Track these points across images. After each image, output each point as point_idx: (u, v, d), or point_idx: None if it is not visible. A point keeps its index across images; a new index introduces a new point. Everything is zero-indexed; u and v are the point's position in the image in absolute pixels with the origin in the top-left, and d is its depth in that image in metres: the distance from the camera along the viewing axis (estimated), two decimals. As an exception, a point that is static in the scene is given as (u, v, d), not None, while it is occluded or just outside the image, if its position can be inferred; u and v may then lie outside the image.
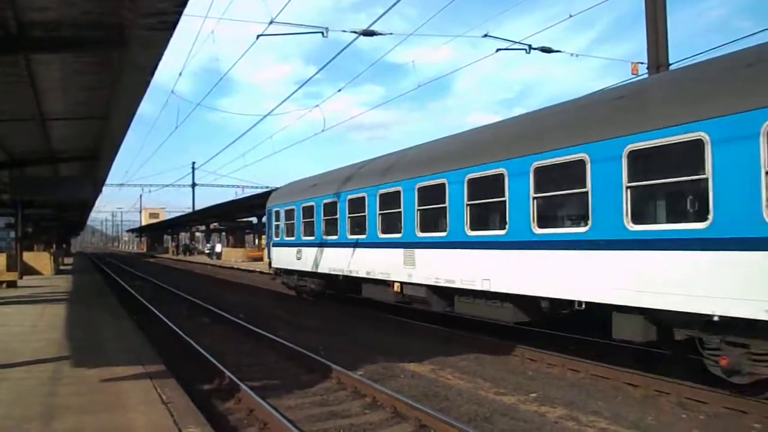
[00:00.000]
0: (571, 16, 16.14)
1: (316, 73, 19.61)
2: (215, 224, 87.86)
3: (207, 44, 24.92)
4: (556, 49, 18.78)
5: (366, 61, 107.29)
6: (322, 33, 15.28)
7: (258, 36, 15.87)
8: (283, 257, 22.11)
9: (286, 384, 10.96)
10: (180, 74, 21.34)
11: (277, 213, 22.91)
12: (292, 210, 21.25)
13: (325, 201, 18.77)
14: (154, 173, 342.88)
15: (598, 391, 10.53)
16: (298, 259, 20.45)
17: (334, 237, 18.10)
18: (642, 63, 19.06)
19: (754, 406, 9.02)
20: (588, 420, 8.96)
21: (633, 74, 19.48)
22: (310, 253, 19.39)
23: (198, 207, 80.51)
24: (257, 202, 42.16)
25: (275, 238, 23.02)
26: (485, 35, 17.00)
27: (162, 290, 30.08)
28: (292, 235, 21.07)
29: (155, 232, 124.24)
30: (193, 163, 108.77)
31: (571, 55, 20.62)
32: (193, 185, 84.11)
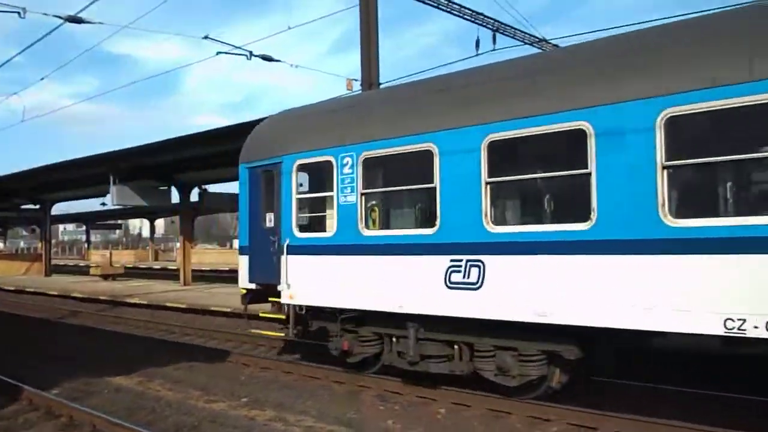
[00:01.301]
0: (290, 27, 16.56)
1: (14, 57, 17.39)
2: None
3: None
4: (277, 58, 19.22)
5: (80, 49, 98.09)
6: (19, 13, 13.63)
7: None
8: (324, 278, 10.66)
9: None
10: None
11: (305, 172, 11.44)
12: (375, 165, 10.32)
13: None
14: None
15: (307, 391, 10.84)
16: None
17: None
18: (357, 80, 20.05)
19: (444, 395, 10.01)
20: (296, 419, 9.21)
21: (348, 90, 20.43)
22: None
23: None
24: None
25: (298, 233, 11.11)
26: (206, 37, 16.65)
27: None
28: (371, 226, 10.41)
29: None
30: None
31: (291, 65, 21.05)
32: None
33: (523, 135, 8.34)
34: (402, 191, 10.39)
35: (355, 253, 10.16)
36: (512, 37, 24.24)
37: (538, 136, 8.20)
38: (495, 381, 9.17)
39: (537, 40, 24.59)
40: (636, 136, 7.36)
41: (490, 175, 8.65)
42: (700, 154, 7.29)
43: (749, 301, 6.56)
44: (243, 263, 12.25)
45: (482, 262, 8.62)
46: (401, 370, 10.36)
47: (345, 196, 10.34)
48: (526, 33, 24.63)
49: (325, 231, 11.00)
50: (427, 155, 9.27)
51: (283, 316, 11.61)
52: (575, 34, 46.53)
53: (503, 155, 8.70)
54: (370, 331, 10.62)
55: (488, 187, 8.65)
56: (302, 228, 11.24)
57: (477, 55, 20.46)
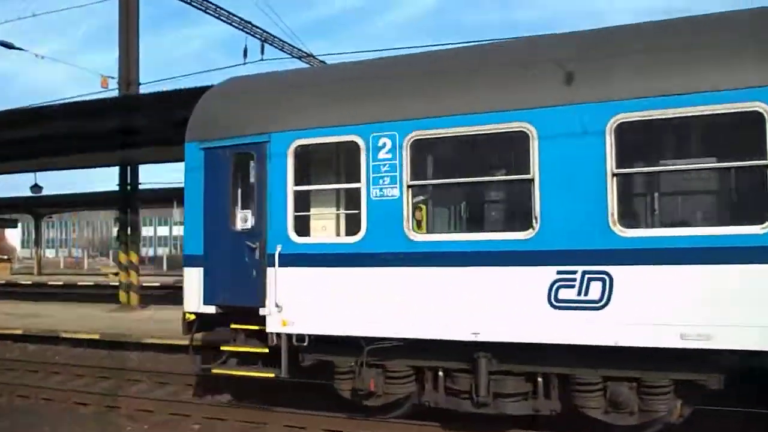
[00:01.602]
0: (34, 15, 15.10)
1: None
2: None
3: None
4: (19, 46, 18.75)
5: None
6: None
7: None
8: (342, 297, 8.01)
9: None
10: None
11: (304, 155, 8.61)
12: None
13: None
14: None
15: (50, 415, 10.10)
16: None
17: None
18: (113, 77, 19.87)
19: (197, 408, 9.79)
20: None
21: (103, 87, 19.99)
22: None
23: None
24: None
25: (296, 238, 8.34)
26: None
27: None
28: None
29: None
30: None
31: (36, 56, 20.51)
32: None
33: (675, 115, 6.71)
34: (466, 184, 8.13)
35: (399, 264, 7.68)
36: (280, 49, 25.53)
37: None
38: (604, 420, 7.34)
39: (305, 54, 25.77)
40: None
41: (619, 165, 6.89)
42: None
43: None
44: (193, 278, 8.96)
45: (608, 275, 6.82)
46: (447, 412, 8.09)
47: (381, 189, 7.83)
48: (293, 46, 25.98)
49: (341, 235, 8.37)
50: (521, 138, 7.22)
51: (258, 349, 8.67)
52: (342, 53, 50.17)
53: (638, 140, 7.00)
54: (406, 365, 8.14)
55: (615, 180, 6.89)
56: (301, 232, 8.41)
57: (245, 63, 20.54)
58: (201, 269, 8.86)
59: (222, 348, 9.05)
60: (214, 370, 9.16)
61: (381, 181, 7.79)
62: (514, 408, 7.65)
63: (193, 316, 9.02)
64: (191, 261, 9.00)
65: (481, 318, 7.31)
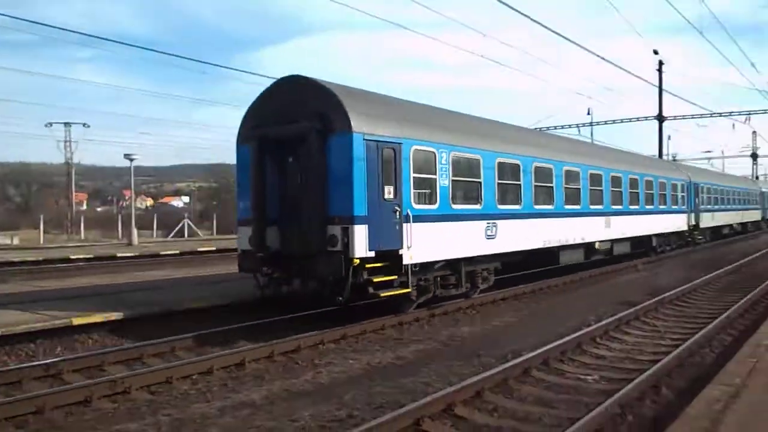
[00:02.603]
0: None
1: None
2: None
3: None
4: None
5: None
6: None
7: None
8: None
9: None
10: None
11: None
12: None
13: None
14: None
15: None
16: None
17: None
18: None
19: None
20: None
21: None
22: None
23: None
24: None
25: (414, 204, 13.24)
26: None
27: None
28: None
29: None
30: None
31: None
32: None
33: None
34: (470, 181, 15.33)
35: (450, 220, 14.67)
36: None
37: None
38: (481, 287, 16.57)
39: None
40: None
41: (500, 179, 16.69)
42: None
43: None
44: (362, 233, 12.18)
45: (496, 224, 16.40)
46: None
47: (442, 179, 14.51)
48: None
49: (431, 204, 14.09)
50: (477, 162, 15.85)
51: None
52: None
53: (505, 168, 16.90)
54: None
55: (499, 185, 16.60)
56: (417, 202, 13.63)
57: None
58: (366, 226, 12.33)
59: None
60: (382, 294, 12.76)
61: (442, 175, 14.44)
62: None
63: (358, 261, 12.21)
64: (360, 220, 12.23)
65: (462, 244, 15.30)
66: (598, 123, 56.32)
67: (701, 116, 52.62)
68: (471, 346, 11.86)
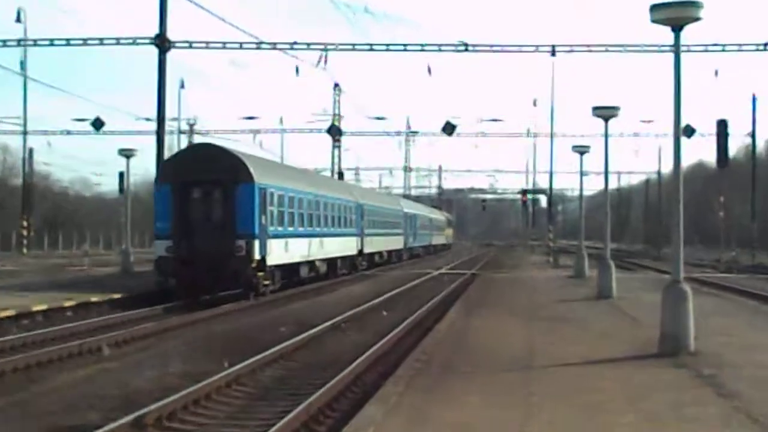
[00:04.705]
0: None
1: None
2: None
3: None
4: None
5: None
6: None
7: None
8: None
9: None
10: None
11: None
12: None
13: None
14: None
15: None
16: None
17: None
18: None
19: None
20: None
21: None
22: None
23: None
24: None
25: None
26: None
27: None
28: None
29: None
30: None
31: None
32: None
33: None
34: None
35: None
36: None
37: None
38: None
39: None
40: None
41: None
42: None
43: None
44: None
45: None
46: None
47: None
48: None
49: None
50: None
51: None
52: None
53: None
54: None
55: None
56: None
57: None
58: (258, 240, 19.73)
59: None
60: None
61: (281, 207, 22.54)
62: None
63: (255, 262, 19.65)
64: (256, 236, 19.63)
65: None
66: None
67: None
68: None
